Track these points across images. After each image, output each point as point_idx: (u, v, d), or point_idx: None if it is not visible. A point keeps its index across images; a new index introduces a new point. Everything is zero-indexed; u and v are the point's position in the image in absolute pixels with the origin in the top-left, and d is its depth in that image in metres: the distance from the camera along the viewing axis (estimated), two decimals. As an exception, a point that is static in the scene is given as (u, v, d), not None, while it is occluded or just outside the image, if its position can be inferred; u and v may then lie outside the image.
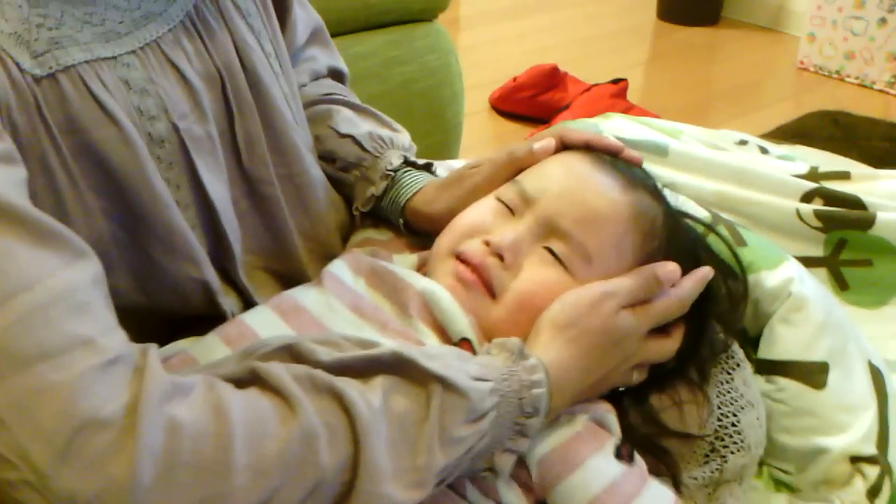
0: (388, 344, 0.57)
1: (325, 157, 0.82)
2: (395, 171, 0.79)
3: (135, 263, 0.64)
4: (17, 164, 0.51)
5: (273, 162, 0.72)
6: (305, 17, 0.89)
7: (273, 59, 0.74)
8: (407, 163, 0.81)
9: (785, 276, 0.79)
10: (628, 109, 2.19)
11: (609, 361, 0.64)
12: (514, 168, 0.74)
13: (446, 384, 0.54)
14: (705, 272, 0.70)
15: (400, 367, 0.54)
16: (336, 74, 0.94)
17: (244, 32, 0.70)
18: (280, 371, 0.52)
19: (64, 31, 0.57)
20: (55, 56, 0.56)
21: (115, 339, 0.48)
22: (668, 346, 0.68)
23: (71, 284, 0.47)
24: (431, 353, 0.57)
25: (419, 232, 0.80)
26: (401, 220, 0.80)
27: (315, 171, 0.78)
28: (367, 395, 0.52)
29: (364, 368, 0.54)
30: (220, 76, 0.68)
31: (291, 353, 0.55)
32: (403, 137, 0.84)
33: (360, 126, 0.83)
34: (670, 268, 0.67)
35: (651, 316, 0.66)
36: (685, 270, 0.69)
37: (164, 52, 0.63)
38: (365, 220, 0.82)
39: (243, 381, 0.52)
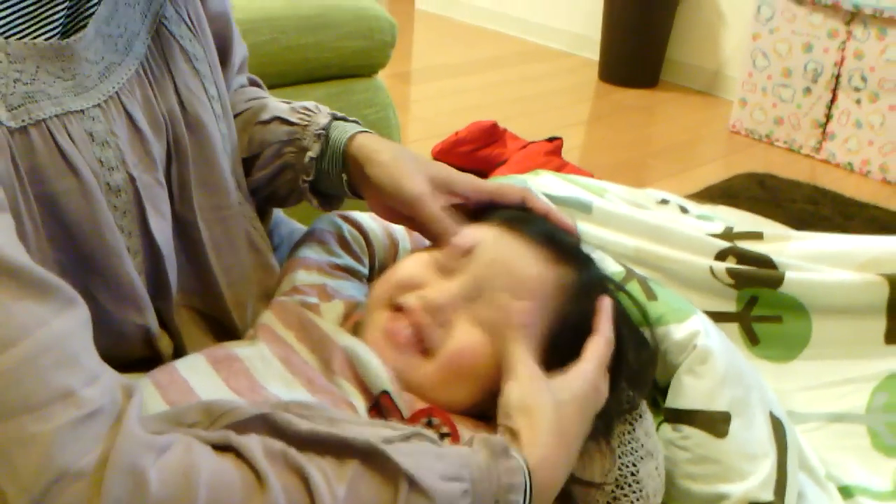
0: (360, 429, 0.57)
1: (260, 153, 0.83)
2: (326, 129, 0.81)
3: None
4: (5, 212, 0.52)
5: (203, 202, 0.74)
6: (241, 50, 0.91)
7: (216, 101, 0.75)
8: (336, 119, 0.82)
9: (691, 329, 0.82)
10: (562, 167, 2.25)
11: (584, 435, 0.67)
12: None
13: (413, 483, 0.53)
14: (605, 302, 0.73)
15: (371, 457, 0.54)
16: (255, 84, 0.96)
17: (188, 77, 0.71)
18: (254, 445, 0.52)
19: (37, 86, 0.58)
20: (28, 110, 0.57)
21: (99, 388, 0.49)
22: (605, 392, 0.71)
23: (60, 334, 0.48)
24: (406, 448, 0.55)
25: (361, 193, 0.80)
26: (344, 177, 0.80)
27: (243, 209, 0.79)
28: (334, 484, 0.52)
29: (336, 449, 0.55)
30: (165, 122, 0.69)
31: (267, 423, 0.55)
32: (325, 108, 0.86)
33: (281, 107, 0.85)
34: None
35: (604, 367, 0.69)
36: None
37: (122, 102, 0.65)
38: (296, 265, 0.82)
39: (219, 447, 0.53)
